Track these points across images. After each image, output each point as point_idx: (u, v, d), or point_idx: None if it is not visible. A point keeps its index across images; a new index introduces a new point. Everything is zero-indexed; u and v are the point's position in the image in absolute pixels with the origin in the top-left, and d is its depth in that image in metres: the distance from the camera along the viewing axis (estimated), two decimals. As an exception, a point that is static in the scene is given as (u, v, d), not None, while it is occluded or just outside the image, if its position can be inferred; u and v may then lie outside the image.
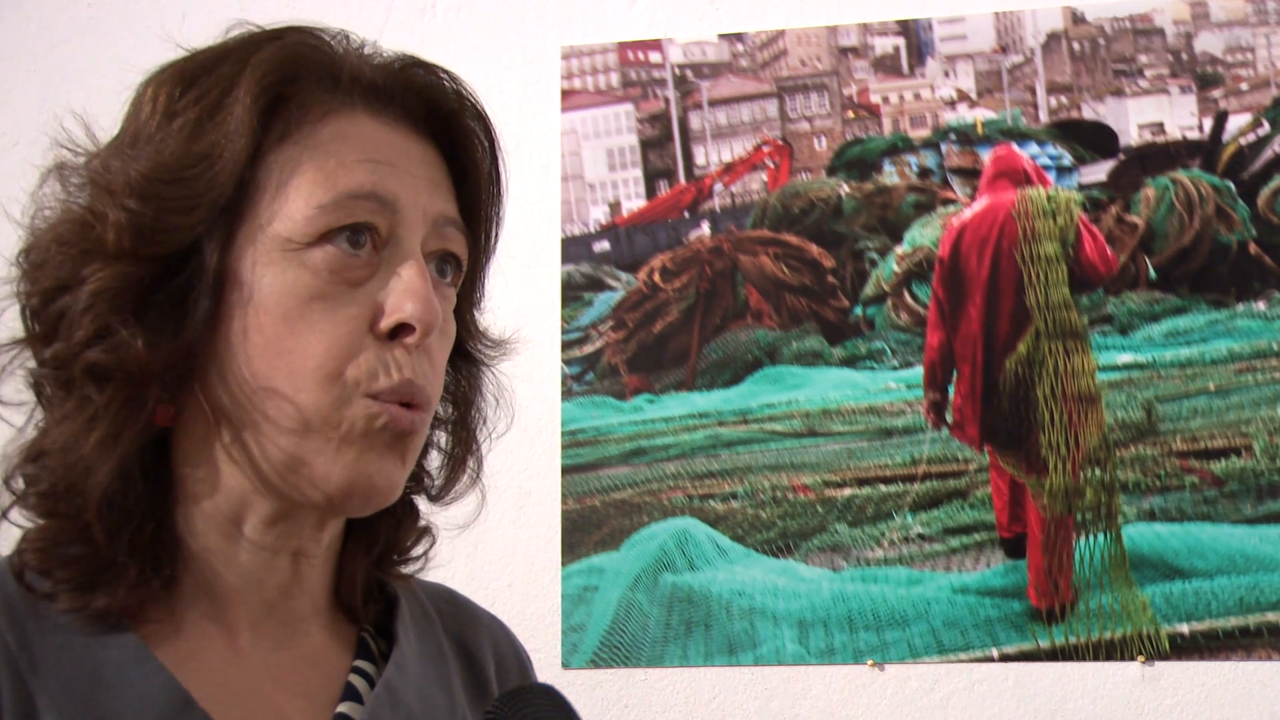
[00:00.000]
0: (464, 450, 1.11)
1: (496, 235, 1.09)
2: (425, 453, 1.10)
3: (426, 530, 1.13)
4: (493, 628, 1.19)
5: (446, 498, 1.12)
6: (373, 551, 1.08)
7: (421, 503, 1.13)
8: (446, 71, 1.05)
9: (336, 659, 1.04)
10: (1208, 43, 2.54)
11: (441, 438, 1.11)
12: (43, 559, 0.94)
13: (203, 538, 0.99)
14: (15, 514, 0.97)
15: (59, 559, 0.94)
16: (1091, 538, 2.43)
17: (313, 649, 1.03)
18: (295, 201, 0.96)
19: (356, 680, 1.03)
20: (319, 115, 0.99)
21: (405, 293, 0.96)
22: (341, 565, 1.07)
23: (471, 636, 1.15)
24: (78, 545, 0.94)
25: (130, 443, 0.94)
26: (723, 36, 2.68)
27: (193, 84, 0.98)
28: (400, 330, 0.97)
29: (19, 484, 0.96)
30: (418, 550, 1.12)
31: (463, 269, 1.04)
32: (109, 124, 1.02)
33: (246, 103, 0.96)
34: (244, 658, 0.99)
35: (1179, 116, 2.53)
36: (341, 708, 1.01)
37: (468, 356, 1.11)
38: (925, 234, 2.56)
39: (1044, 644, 2.41)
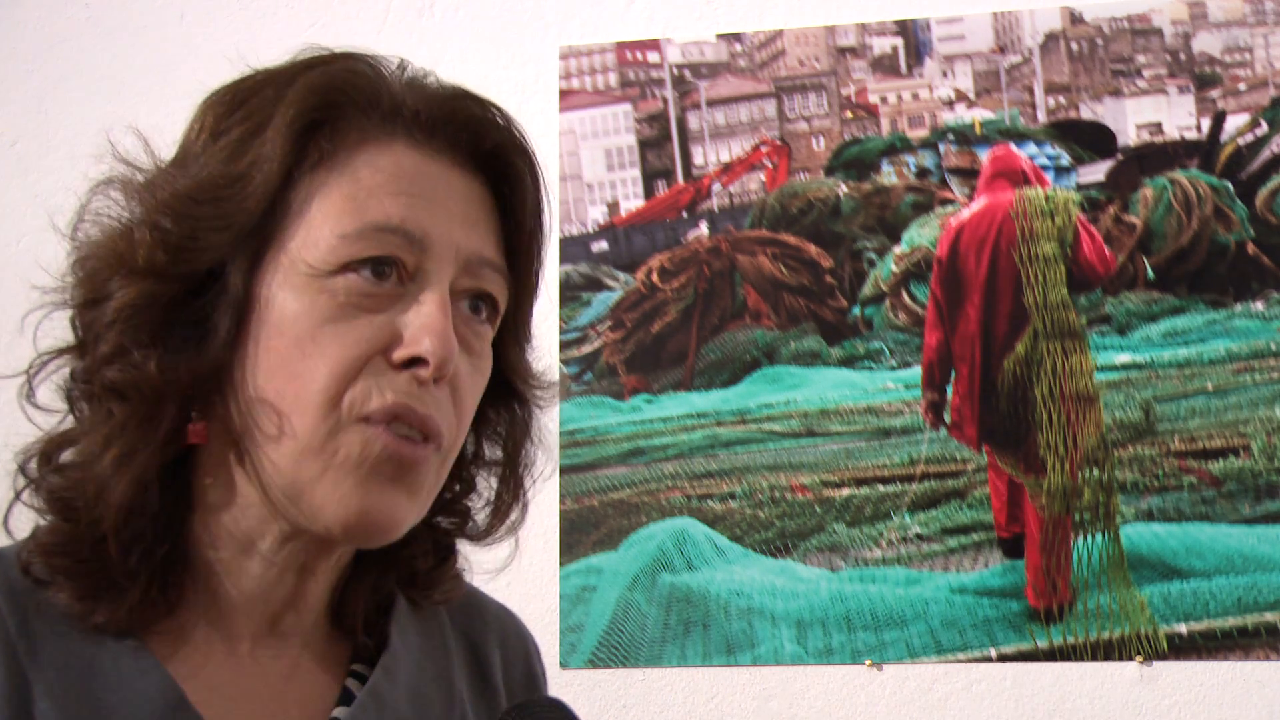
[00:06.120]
0: (510, 496, 1.10)
1: (539, 274, 1.07)
2: (467, 493, 1.09)
3: (459, 577, 1.12)
4: (501, 618, 1.18)
5: (487, 541, 1.11)
6: (385, 579, 1.07)
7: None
8: (496, 107, 1.03)
9: (337, 664, 1.04)
10: (1206, 43, 2.54)
11: (487, 480, 1.10)
12: (50, 559, 0.94)
13: (217, 549, 0.99)
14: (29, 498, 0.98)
15: (66, 566, 0.94)
16: (1090, 538, 2.43)
17: (312, 656, 1.03)
18: (321, 228, 0.95)
19: (353, 684, 1.03)
20: (355, 142, 0.97)
21: (423, 327, 0.95)
22: (346, 585, 1.05)
23: (478, 628, 1.15)
24: (87, 556, 0.94)
25: (147, 461, 0.94)
26: (721, 36, 2.68)
27: (240, 105, 0.98)
28: (414, 363, 0.95)
29: (33, 470, 0.97)
30: (442, 593, 1.11)
31: (499, 308, 1.02)
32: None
33: (281, 127, 0.95)
34: (243, 664, 0.99)
35: (1177, 117, 2.53)
36: (336, 712, 1.01)
37: (518, 397, 1.10)
38: (923, 234, 2.56)
39: (1042, 644, 2.40)
